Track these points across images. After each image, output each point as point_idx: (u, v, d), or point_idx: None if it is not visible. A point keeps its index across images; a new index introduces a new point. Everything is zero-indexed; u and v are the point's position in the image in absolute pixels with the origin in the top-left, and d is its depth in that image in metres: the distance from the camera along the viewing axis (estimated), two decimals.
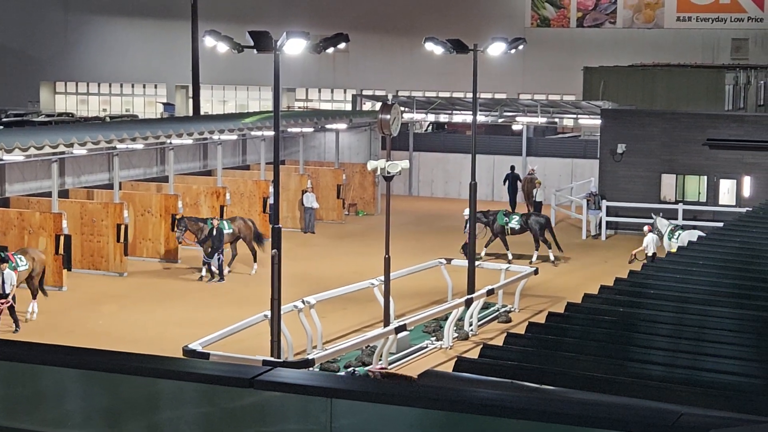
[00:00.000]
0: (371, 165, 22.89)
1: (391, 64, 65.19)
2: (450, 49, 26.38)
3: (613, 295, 16.90)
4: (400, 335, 22.37)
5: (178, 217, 31.07)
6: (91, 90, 73.05)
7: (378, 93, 56.22)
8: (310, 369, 19.12)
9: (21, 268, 24.97)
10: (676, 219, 35.45)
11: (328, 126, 41.06)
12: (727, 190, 37.17)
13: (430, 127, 53.57)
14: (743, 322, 14.79)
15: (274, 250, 20.20)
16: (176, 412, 5.75)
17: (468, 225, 31.75)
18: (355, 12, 64.82)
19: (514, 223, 33.12)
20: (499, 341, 17.78)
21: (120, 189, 32.23)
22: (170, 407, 5.78)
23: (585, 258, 34.13)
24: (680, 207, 36.46)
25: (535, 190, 40.45)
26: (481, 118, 44.25)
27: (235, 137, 37.38)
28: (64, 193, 32.08)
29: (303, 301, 22.58)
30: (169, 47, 68.12)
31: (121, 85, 72.15)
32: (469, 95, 35.63)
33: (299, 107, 66.03)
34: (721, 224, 26.30)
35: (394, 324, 22.44)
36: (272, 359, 20.05)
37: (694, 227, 32.89)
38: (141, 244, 32.37)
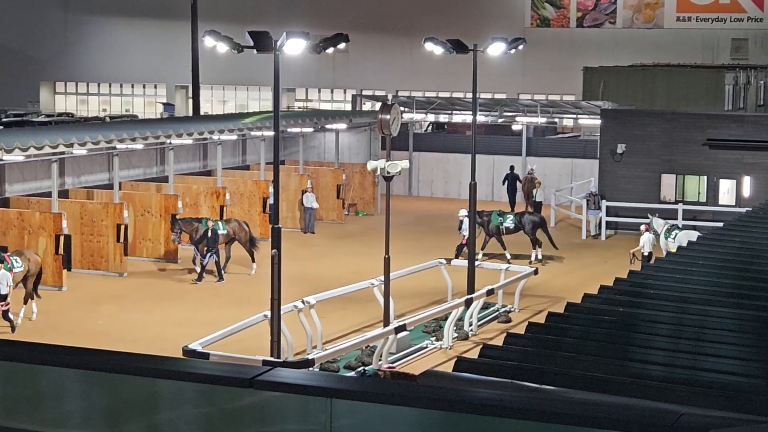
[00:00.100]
0: (371, 165, 22.89)
1: (391, 64, 65.19)
2: (450, 49, 26.38)
3: (612, 295, 16.90)
4: (399, 335, 22.37)
5: (169, 220, 30.98)
6: (91, 90, 73.05)
7: (378, 93, 56.23)
8: (310, 369, 19.12)
9: (16, 270, 24.92)
10: (676, 219, 35.47)
11: (327, 126, 41.06)
12: (726, 190, 37.18)
13: (430, 127, 53.57)
14: (743, 322, 14.79)
15: (274, 250, 20.20)
16: (176, 412, 5.76)
17: (463, 225, 31.84)
18: (355, 12, 64.82)
19: (509, 222, 33.13)
20: (498, 341, 17.78)
21: (120, 189, 32.23)
22: (170, 407, 5.78)
23: (585, 258, 34.13)
24: (680, 207, 36.47)
25: (534, 190, 40.45)
26: (480, 118, 44.25)
27: (234, 137, 37.38)
28: (64, 193, 32.08)
29: (303, 301, 22.58)
30: (169, 47, 68.12)
31: (121, 86, 72.16)
32: (469, 95, 35.64)
33: (299, 107, 66.03)
34: (720, 224, 26.30)
35: (394, 324, 22.44)
36: (272, 359, 20.05)
37: (692, 227, 32.93)
38: (141, 245, 32.37)
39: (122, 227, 30.19)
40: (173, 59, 67.27)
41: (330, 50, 22.35)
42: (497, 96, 56.12)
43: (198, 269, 29.81)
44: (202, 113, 57.59)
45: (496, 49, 27.31)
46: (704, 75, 49.88)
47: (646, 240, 30.51)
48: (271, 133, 23.76)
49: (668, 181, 37.87)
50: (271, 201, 29.10)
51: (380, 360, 21.57)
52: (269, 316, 20.72)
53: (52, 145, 28.11)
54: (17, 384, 5.98)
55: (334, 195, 39.97)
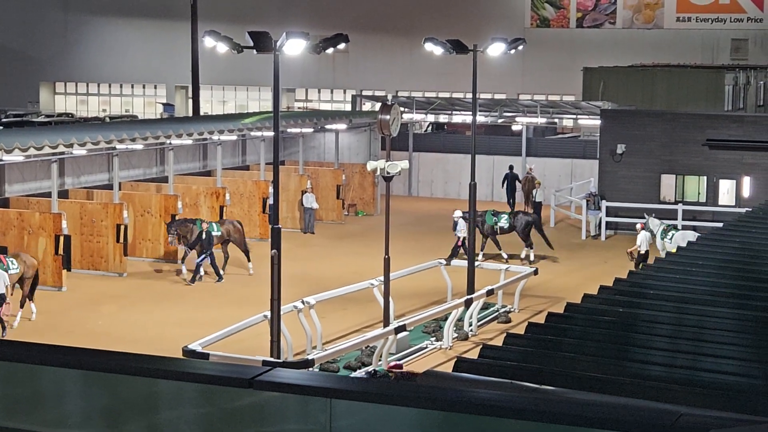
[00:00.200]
0: (371, 165, 22.89)
1: (391, 65, 65.20)
2: (450, 49, 26.38)
3: (612, 295, 16.90)
4: (399, 335, 22.38)
5: (167, 221, 30.93)
6: (90, 90, 73.05)
7: (378, 93, 56.22)
8: (310, 369, 19.12)
9: (11, 272, 24.90)
10: (676, 219, 35.48)
11: (327, 126, 41.06)
12: (726, 190, 37.18)
13: (430, 128, 53.57)
14: (742, 323, 14.80)
15: (273, 251, 20.20)
16: (176, 412, 5.76)
17: (458, 226, 31.90)
18: (355, 12, 64.83)
19: (503, 222, 33.14)
20: (498, 341, 17.78)
21: (120, 189, 32.23)
22: (170, 407, 5.78)
23: (584, 258, 34.14)
24: (680, 207, 36.47)
25: (534, 191, 40.45)
26: (480, 118, 44.25)
27: (234, 138, 37.38)
28: (63, 194, 32.08)
29: (303, 302, 22.58)
30: (168, 48, 68.13)
31: (121, 86, 72.16)
32: (469, 95, 35.64)
33: (299, 108, 66.03)
34: (720, 225, 26.30)
35: (394, 324, 22.45)
36: (272, 359, 20.05)
37: (692, 228, 32.94)
38: (141, 245, 32.37)
39: (122, 227, 30.19)
40: (173, 59, 67.28)
41: (330, 50, 22.35)
42: (497, 96, 56.13)
43: (184, 269, 29.73)
44: (201, 113, 57.59)
45: (495, 49, 27.31)
46: (704, 75, 49.89)
47: (643, 238, 30.53)
48: (271, 133, 23.76)
49: (668, 182, 37.87)
50: (270, 201, 29.08)
51: (380, 360, 21.57)
52: (269, 316, 20.72)
53: (51, 146, 28.11)
54: (17, 384, 5.99)
55: (333, 195, 39.98)
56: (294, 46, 20.02)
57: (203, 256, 29.44)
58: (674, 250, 26.95)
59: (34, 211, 29.37)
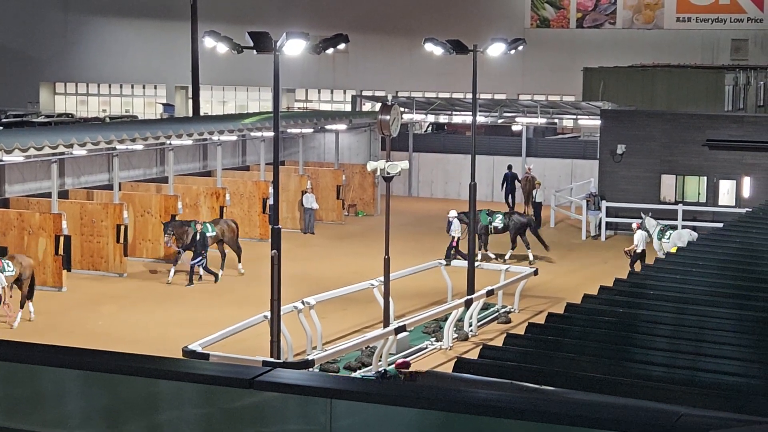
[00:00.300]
0: (371, 166, 22.89)
1: (391, 65, 65.20)
2: (449, 49, 26.37)
3: (612, 295, 16.91)
4: (399, 336, 22.37)
5: (163, 221, 30.86)
6: (90, 91, 73.04)
7: (378, 94, 56.21)
8: (310, 370, 19.12)
9: (7, 274, 24.90)
10: (676, 219, 35.48)
11: (327, 127, 41.06)
12: (726, 190, 37.18)
13: (430, 128, 53.57)
14: (743, 323, 14.80)
15: (273, 251, 20.20)
16: (176, 412, 5.76)
17: (452, 226, 31.92)
18: (355, 12, 64.83)
19: (498, 222, 33.14)
20: (498, 342, 17.80)
21: (120, 190, 32.23)
22: (170, 408, 5.78)
23: (584, 259, 34.13)
24: (680, 208, 36.47)
25: (534, 191, 40.45)
26: (480, 118, 44.24)
27: (234, 138, 37.38)
28: (63, 194, 32.07)
29: (303, 302, 22.59)
30: (168, 48, 68.12)
31: (121, 86, 72.15)
32: (469, 96, 35.63)
33: (299, 108, 66.03)
34: (720, 225, 26.31)
35: (394, 325, 22.45)
36: (272, 360, 20.05)
37: (692, 228, 32.94)
38: (141, 245, 32.36)
39: (122, 228, 30.18)
40: (173, 60, 67.27)
41: (330, 51, 22.34)
42: (497, 96, 56.11)
43: (172, 272, 29.69)
44: (201, 114, 57.58)
45: (495, 49, 27.31)
46: (704, 75, 49.89)
47: (640, 238, 30.53)
48: (271, 133, 23.76)
49: (668, 182, 37.87)
50: (270, 202, 29.08)
51: (380, 360, 21.56)
52: (269, 316, 20.72)
53: (51, 146, 28.12)
54: (17, 384, 5.99)
55: (333, 195, 39.98)
56: (294, 47, 20.02)
57: (199, 258, 29.39)
58: (674, 250, 26.98)
59: (34, 212, 29.37)
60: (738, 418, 7.83)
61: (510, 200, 42.58)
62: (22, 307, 25.28)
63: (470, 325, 24.90)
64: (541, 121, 46.46)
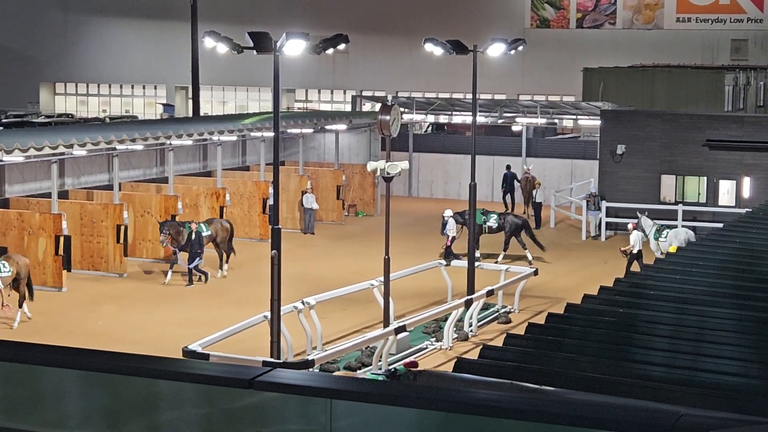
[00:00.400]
0: (371, 166, 22.89)
1: (391, 65, 65.20)
2: (449, 50, 26.37)
3: (612, 296, 16.91)
4: (399, 336, 22.37)
5: (160, 221, 30.82)
6: (90, 91, 73.06)
7: (378, 94, 56.22)
8: (310, 370, 19.12)
9: (4, 274, 24.89)
10: (676, 220, 35.48)
11: (327, 127, 41.06)
12: (726, 191, 37.19)
13: (430, 128, 53.58)
14: (743, 323, 14.80)
15: (273, 251, 20.20)
16: (176, 412, 5.76)
17: (447, 226, 31.91)
18: (355, 13, 64.84)
19: (492, 221, 33.13)
20: (498, 342, 17.80)
21: (120, 190, 32.23)
22: (170, 408, 5.78)
23: (584, 259, 34.13)
24: (680, 208, 36.47)
25: (534, 191, 40.46)
26: (480, 119, 44.25)
27: (234, 138, 37.38)
28: (63, 194, 32.07)
29: (303, 302, 22.59)
30: (168, 48, 68.13)
31: (121, 86, 72.17)
32: (469, 96, 35.63)
33: (299, 108, 66.03)
34: (720, 225, 26.31)
35: (394, 325, 22.45)
36: (272, 360, 20.05)
37: (692, 228, 32.94)
38: (141, 245, 32.36)
39: (122, 228, 30.18)
40: (173, 60, 67.28)
41: (330, 51, 22.34)
42: (497, 97, 56.12)
43: (169, 275, 29.67)
44: (201, 114, 57.58)
45: (495, 49, 27.31)
46: (704, 76, 49.89)
47: (636, 238, 30.53)
48: (271, 134, 23.76)
49: (668, 182, 37.88)
50: (270, 202, 29.07)
51: (380, 360, 21.57)
52: (269, 316, 20.72)
53: (51, 146, 28.12)
54: (17, 385, 5.99)
55: (333, 196, 39.98)
56: (294, 47, 20.02)
57: (197, 259, 29.35)
58: (673, 249, 27.00)
59: (35, 212, 29.37)
60: (738, 418, 7.83)
61: (509, 200, 42.60)
62: (20, 306, 25.27)
63: (470, 326, 24.90)
64: (541, 121, 46.46)
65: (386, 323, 22.88)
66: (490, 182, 44.98)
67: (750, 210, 28.58)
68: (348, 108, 58.92)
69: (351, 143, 43.79)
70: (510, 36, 29.39)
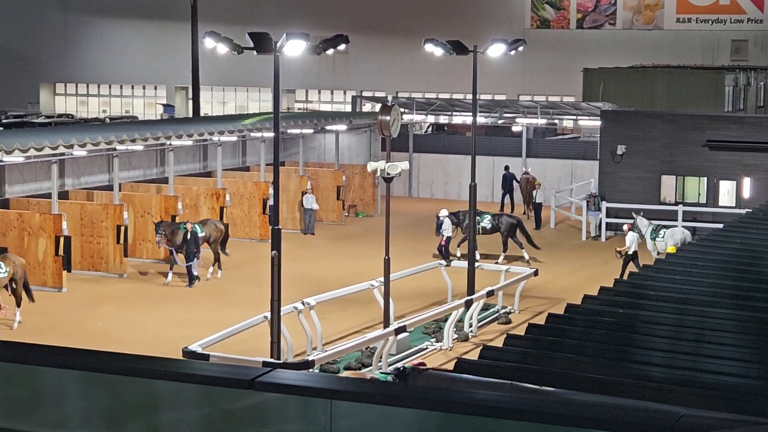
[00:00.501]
0: (371, 166, 22.89)
1: (391, 66, 65.21)
2: (450, 50, 26.38)
3: (612, 296, 16.90)
4: (400, 336, 22.37)
5: (155, 221, 30.77)
6: (90, 91, 73.07)
7: (378, 94, 56.25)
8: (310, 370, 19.12)
9: (0, 275, 24.88)
10: (676, 220, 35.48)
11: (327, 127, 41.06)
12: (726, 191, 37.19)
13: (430, 129, 53.58)
14: (743, 324, 14.80)
15: (274, 252, 20.20)
16: (176, 413, 5.76)
17: (443, 226, 31.93)
18: (355, 13, 64.85)
19: (486, 222, 33.14)
20: (498, 342, 17.80)
21: (120, 190, 32.23)
22: (170, 408, 5.78)
23: (585, 259, 34.13)
24: (680, 208, 36.47)
25: (534, 192, 40.46)
26: (480, 119, 44.25)
27: (234, 138, 37.38)
28: (63, 195, 32.07)
29: (303, 303, 22.58)
30: (168, 48, 68.14)
31: (121, 87, 72.18)
32: (469, 96, 35.64)
33: (299, 108, 66.04)
34: (720, 225, 26.30)
35: (394, 325, 22.44)
36: (272, 360, 20.04)
37: (690, 228, 32.94)
38: (141, 246, 32.36)
39: (122, 228, 30.17)
40: (173, 60, 67.28)
41: (330, 51, 22.34)
42: (497, 97, 56.13)
43: (170, 276, 29.66)
44: (202, 114, 57.59)
45: (496, 50, 27.31)
46: (704, 76, 49.90)
47: (632, 239, 30.53)
48: (271, 134, 23.76)
49: (668, 183, 37.88)
50: (271, 202, 29.07)
51: (380, 361, 21.57)
52: (269, 317, 20.72)
53: (52, 147, 28.11)
54: (17, 385, 5.99)
55: (334, 196, 39.97)
56: (294, 47, 20.02)
57: (194, 259, 29.34)
58: (673, 250, 27.00)
59: (35, 212, 29.36)
60: (738, 418, 7.84)
61: (507, 201, 42.60)
62: (18, 306, 25.27)
63: (470, 326, 24.90)
64: (541, 121, 46.47)
65: (386, 324, 22.87)
66: (490, 183, 44.97)
67: (750, 210, 28.57)
68: (348, 108, 58.92)
69: (351, 144, 43.79)
70: (510, 36, 29.40)
